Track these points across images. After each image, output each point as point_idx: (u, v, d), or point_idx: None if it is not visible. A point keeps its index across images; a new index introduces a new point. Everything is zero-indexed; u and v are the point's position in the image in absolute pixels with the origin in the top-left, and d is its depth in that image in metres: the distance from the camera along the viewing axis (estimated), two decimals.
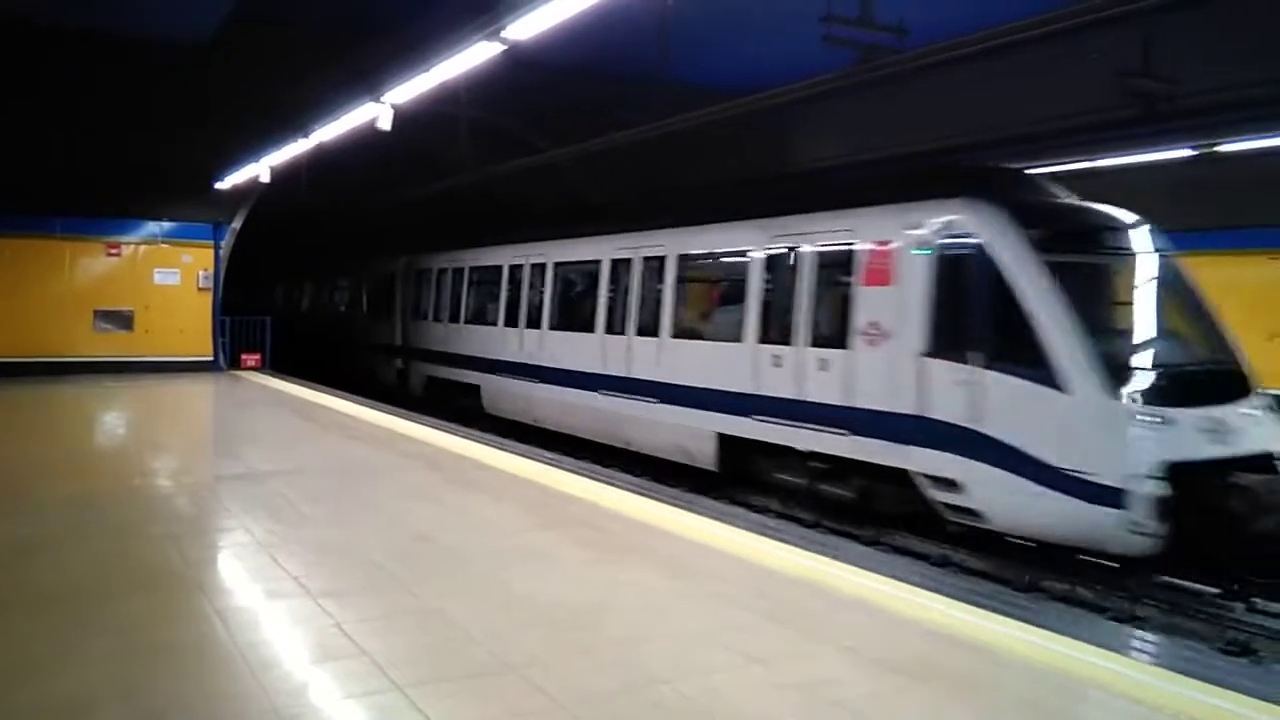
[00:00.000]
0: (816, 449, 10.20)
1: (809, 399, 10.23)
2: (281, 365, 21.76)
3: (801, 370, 10.35)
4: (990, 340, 8.53)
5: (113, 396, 16.18)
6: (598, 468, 10.91)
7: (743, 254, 11.48)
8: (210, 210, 19.87)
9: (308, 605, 5.12)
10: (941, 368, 8.78)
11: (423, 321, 20.25)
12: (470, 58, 8.56)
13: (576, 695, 4.02)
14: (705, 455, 11.91)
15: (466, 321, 18.42)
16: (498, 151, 17.84)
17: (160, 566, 5.91)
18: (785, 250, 10.81)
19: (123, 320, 19.27)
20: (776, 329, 10.85)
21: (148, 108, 16.05)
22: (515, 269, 16.61)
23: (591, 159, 15.77)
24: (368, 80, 10.53)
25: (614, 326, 13.73)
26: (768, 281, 11.07)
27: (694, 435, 12.00)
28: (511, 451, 10.82)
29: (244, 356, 20.95)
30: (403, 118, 11.04)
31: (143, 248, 19.52)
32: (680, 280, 12.73)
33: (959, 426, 8.60)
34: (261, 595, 5.34)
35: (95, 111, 16.07)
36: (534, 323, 15.75)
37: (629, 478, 10.41)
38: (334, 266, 27.52)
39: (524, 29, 7.55)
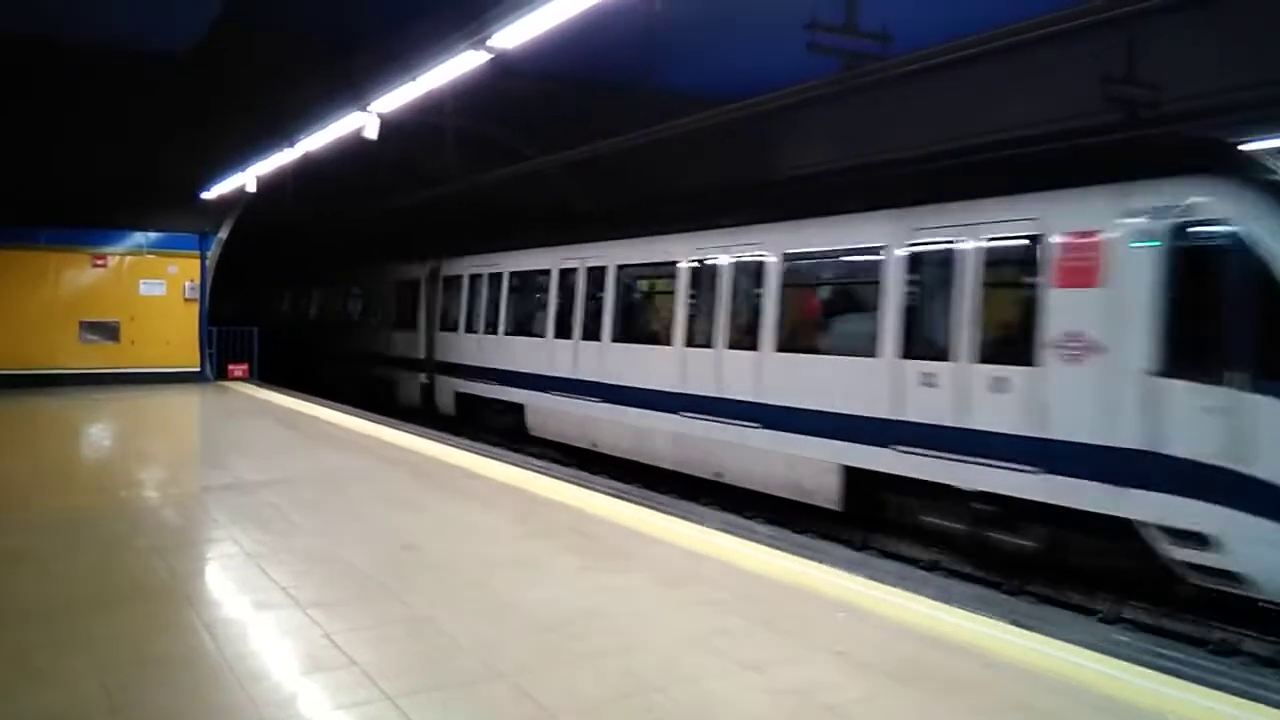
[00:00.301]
0: (987, 488, 8.44)
1: (978, 427, 8.45)
2: (275, 378, 21.55)
3: (965, 391, 8.58)
4: (1258, 355, 6.78)
5: (99, 408, 16.07)
6: (585, 475, 10.88)
7: (874, 251, 9.70)
8: (196, 220, 19.81)
9: (296, 616, 5.09)
10: (1183, 390, 7.08)
11: (453, 333, 18.57)
12: (457, 66, 8.56)
13: (568, 703, 4.01)
14: (825, 491, 10.13)
15: (508, 332, 16.64)
16: (485, 159, 17.81)
17: (148, 579, 5.87)
18: (935, 246, 9.12)
19: (108, 331, 19.18)
20: (926, 341, 9.15)
21: (133, 118, 16.00)
22: (568, 274, 14.84)
23: (578, 167, 15.76)
24: (354, 89, 10.53)
25: (697, 338, 12.05)
26: (911, 284, 9.34)
27: (810, 468, 10.28)
28: (499, 459, 10.80)
29: (231, 367, 20.85)
30: (395, 125, 11.04)
31: (128, 258, 19.44)
32: (787, 285, 10.86)
33: (1212, 466, 6.89)
34: (250, 606, 5.31)
35: (80, 122, 16.01)
36: (592, 334, 14.02)
37: (617, 484, 10.38)
38: (333, 275, 26.33)
39: (510, 37, 7.56)
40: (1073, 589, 8.41)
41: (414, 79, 9.20)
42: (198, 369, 19.94)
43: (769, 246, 11.07)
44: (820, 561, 6.52)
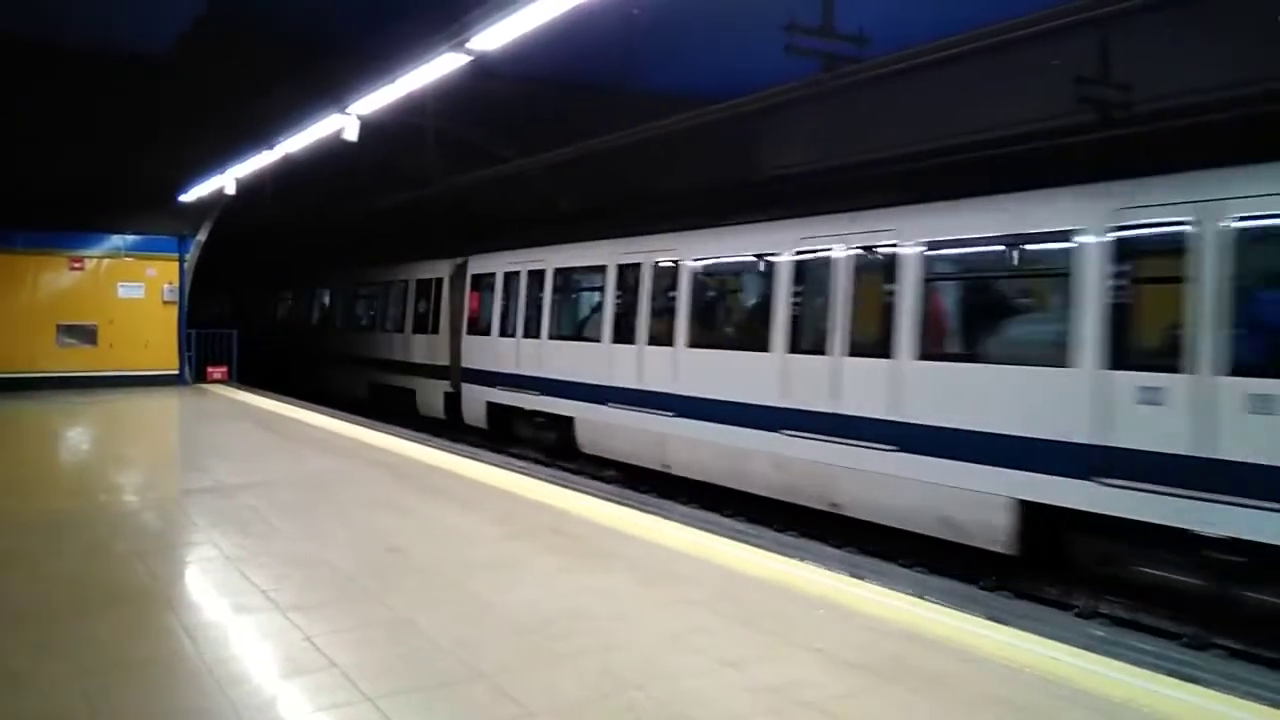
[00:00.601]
0: (1238, 534, 6.73)
1: (1229, 457, 6.74)
2: (266, 384, 21.31)
3: (1212, 412, 6.85)
4: None
5: (77, 411, 15.95)
6: (567, 475, 10.91)
7: (1064, 237, 7.95)
8: (175, 223, 19.71)
9: (277, 619, 5.08)
10: None
11: (484, 337, 16.78)
12: (437, 68, 8.56)
13: (548, 702, 4.03)
14: (991, 530, 8.34)
15: (553, 336, 14.87)
16: (469, 161, 17.77)
17: (127, 583, 5.84)
18: (1166, 228, 7.30)
19: (86, 335, 19.06)
20: (1145, 349, 7.55)
21: (110, 121, 15.87)
22: (628, 270, 13.16)
23: (559, 168, 15.70)
24: (333, 91, 10.50)
25: (803, 344, 10.38)
26: (1117, 278, 7.57)
27: (967, 501, 8.52)
28: (480, 460, 10.81)
29: (210, 370, 20.75)
30: (382, 125, 11.00)
31: (106, 261, 19.33)
32: (931, 280, 9.11)
33: None
34: (230, 610, 5.30)
35: (57, 124, 15.86)
36: (661, 338, 12.36)
37: (598, 484, 10.42)
38: (329, 276, 25.12)
39: (490, 39, 7.57)
40: (1049, 584, 8.49)
41: (393, 81, 9.18)
42: (176, 371, 19.84)
43: (907, 233, 9.30)
44: (800, 559, 6.57)
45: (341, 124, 10.86)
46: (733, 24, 11.71)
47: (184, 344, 20.02)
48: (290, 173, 15.67)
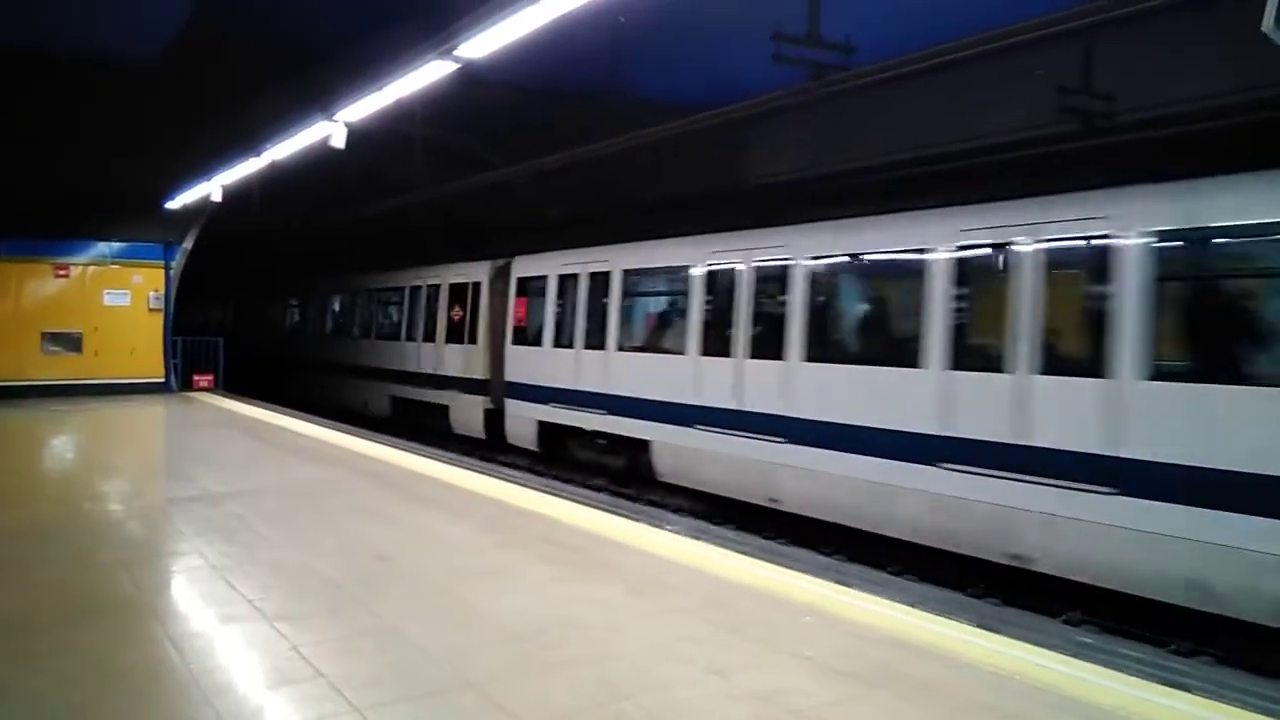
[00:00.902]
0: None
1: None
2: (264, 397, 20.90)
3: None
4: None
5: (61, 419, 15.84)
6: (557, 484, 10.87)
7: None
8: (161, 230, 19.64)
9: (263, 628, 5.05)
10: None
11: (533, 347, 15.07)
12: (424, 76, 8.56)
13: (538, 712, 4.02)
14: (1257, 600, 6.70)
15: (623, 348, 13.14)
16: (456, 166, 17.75)
17: (112, 592, 5.80)
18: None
19: (71, 342, 18.96)
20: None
21: (96, 128, 15.81)
22: (721, 272, 11.52)
23: (545, 176, 15.67)
24: (320, 99, 10.48)
25: (969, 359, 8.63)
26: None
27: (1223, 561, 6.82)
28: (470, 469, 10.77)
29: (196, 378, 20.67)
30: (368, 129, 10.97)
31: (91, 268, 19.23)
32: (1164, 279, 7.38)
33: None
34: (216, 619, 5.26)
35: (42, 131, 15.79)
36: (767, 350, 10.66)
37: (588, 493, 10.39)
38: (332, 282, 23.74)
39: (477, 47, 7.57)
40: (1037, 592, 8.51)
41: (381, 88, 9.17)
42: (162, 379, 19.74)
43: (1123, 223, 7.57)
44: (789, 567, 6.57)
45: (329, 131, 10.84)
46: (718, 32, 11.77)
47: (169, 351, 19.93)
48: (279, 179, 15.62)
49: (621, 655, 4.73)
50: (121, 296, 19.40)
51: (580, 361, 13.78)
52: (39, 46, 13.40)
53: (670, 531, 7.74)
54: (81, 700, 4.14)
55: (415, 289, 19.34)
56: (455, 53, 7.66)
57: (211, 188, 16.45)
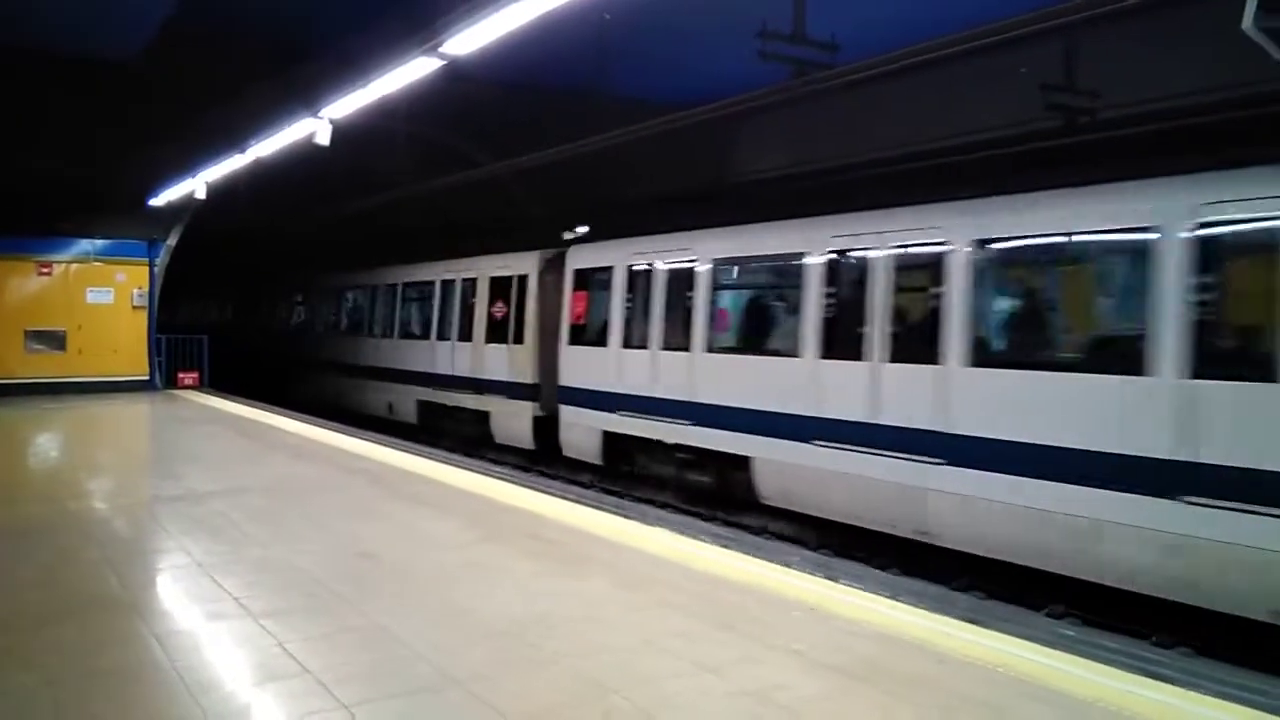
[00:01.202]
0: None
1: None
2: (259, 397, 20.52)
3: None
4: None
5: (46, 418, 15.74)
6: (544, 479, 10.85)
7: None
8: (144, 227, 19.54)
9: (249, 626, 5.04)
10: None
11: (594, 348, 13.36)
12: (409, 72, 8.54)
13: (525, 708, 4.02)
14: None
15: (714, 349, 11.40)
16: (438, 165, 17.69)
17: (96, 591, 5.77)
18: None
19: (55, 340, 18.86)
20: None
21: (79, 125, 15.73)
22: (847, 261, 9.93)
23: (531, 173, 15.64)
24: (305, 95, 10.44)
25: (1213, 366, 6.95)
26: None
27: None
28: (456, 465, 10.75)
29: (181, 375, 20.58)
30: (360, 125, 10.93)
31: (75, 266, 19.13)
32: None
33: None
34: (201, 617, 5.24)
35: (25, 129, 15.69)
36: (913, 354, 9.10)
37: (575, 489, 10.39)
38: (352, 276, 21.98)
39: (463, 44, 7.56)
40: (1020, 585, 8.57)
41: (366, 85, 9.15)
42: (147, 377, 19.66)
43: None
44: (777, 562, 6.59)
45: (314, 128, 10.81)
46: (704, 30, 11.79)
47: (154, 349, 19.83)
48: (268, 175, 15.49)
49: (610, 650, 4.74)
50: (105, 294, 19.30)
51: (658, 364, 12.05)
52: (20, 43, 13.32)
53: (658, 527, 7.75)
54: (67, 699, 4.12)
55: (448, 284, 17.64)
56: (441, 50, 7.66)
57: (196, 184, 16.37)
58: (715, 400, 11.14)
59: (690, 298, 11.64)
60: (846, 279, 9.92)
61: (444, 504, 8.69)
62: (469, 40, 7.47)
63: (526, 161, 14.04)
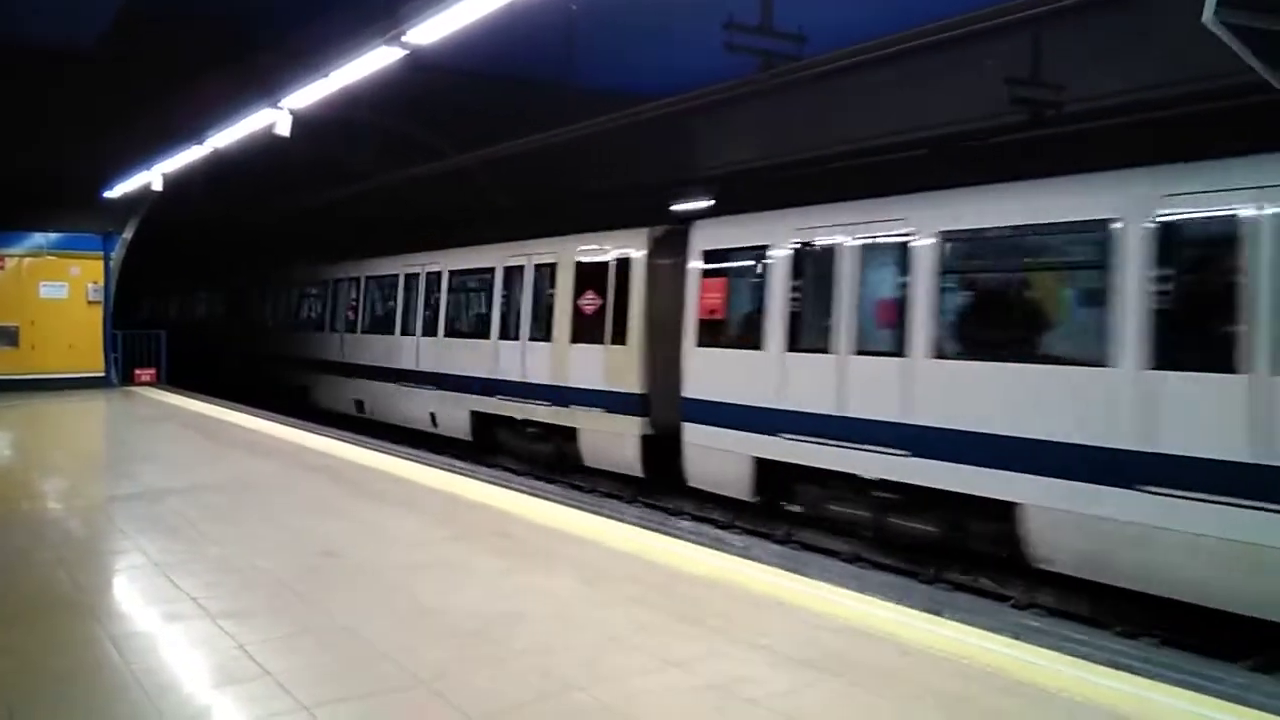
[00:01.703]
0: None
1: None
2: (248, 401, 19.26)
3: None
4: None
5: None
6: (509, 475, 10.78)
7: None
8: (99, 220, 19.16)
9: (207, 627, 4.94)
10: None
11: (742, 352, 10.57)
12: (371, 62, 8.42)
13: (489, 706, 3.97)
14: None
15: (945, 354, 8.55)
16: (406, 154, 17.48)
17: (50, 592, 5.63)
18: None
19: (7, 336, 18.44)
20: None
21: (31, 116, 15.36)
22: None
23: (498, 164, 15.48)
24: (264, 85, 10.27)
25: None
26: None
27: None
28: (420, 462, 10.65)
29: (138, 372, 20.22)
30: (327, 116, 10.76)
31: (27, 260, 18.74)
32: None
33: None
34: (158, 618, 5.13)
35: None
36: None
37: (541, 485, 10.33)
38: (369, 264, 19.14)
39: (425, 33, 7.46)
40: (986, 576, 8.64)
41: (326, 75, 9.01)
42: (102, 374, 19.29)
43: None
44: (743, 556, 6.59)
45: (273, 119, 10.64)
46: (670, 22, 11.72)
47: (109, 345, 19.47)
48: (230, 166, 15.18)
49: (574, 647, 4.70)
50: (59, 288, 18.90)
51: (847, 374, 9.29)
52: None
53: (624, 523, 7.71)
54: (19, 702, 4.01)
55: (513, 270, 14.55)
56: (403, 39, 7.55)
57: (152, 176, 16.09)
58: (951, 424, 8.37)
59: (908, 285, 8.82)
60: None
61: (409, 501, 8.60)
62: (432, 29, 7.38)
63: (495, 151, 13.77)
